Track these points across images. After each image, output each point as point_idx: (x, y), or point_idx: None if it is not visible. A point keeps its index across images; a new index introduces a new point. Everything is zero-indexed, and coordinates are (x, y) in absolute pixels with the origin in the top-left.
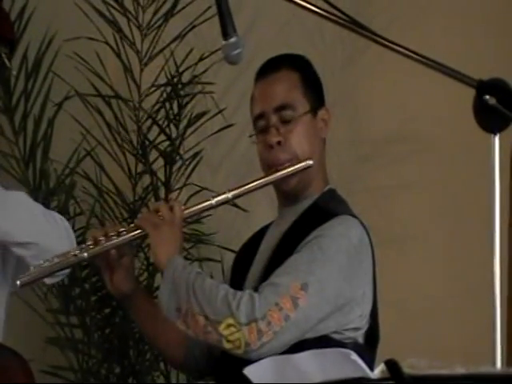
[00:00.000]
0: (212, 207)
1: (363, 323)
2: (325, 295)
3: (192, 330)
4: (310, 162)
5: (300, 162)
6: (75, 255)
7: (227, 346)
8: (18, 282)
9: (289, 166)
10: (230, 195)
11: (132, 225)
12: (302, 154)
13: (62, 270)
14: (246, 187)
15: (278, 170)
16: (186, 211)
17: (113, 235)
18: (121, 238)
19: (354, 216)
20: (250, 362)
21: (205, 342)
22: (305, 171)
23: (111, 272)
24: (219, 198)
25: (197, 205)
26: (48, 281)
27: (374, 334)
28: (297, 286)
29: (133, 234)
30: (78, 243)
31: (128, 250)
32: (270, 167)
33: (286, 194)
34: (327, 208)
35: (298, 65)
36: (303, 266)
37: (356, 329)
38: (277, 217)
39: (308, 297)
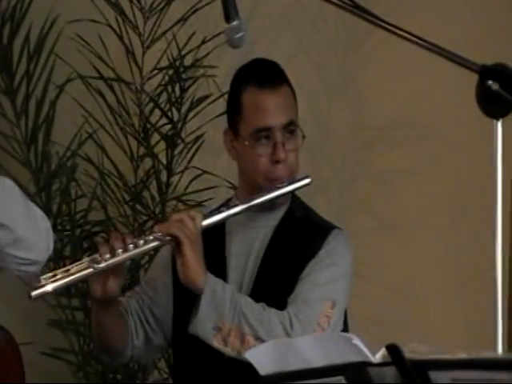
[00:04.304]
0: (229, 217)
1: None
2: (342, 310)
3: (232, 349)
4: (309, 180)
5: (300, 180)
6: (93, 267)
7: None
8: (32, 294)
9: (290, 184)
10: (244, 207)
11: (151, 236)
12: (297, 171)
13: (76, 283)
14: (259, 200)
15: (279, 187)
16: (204, 222)
17: (130, 243)
18: (145, 247)
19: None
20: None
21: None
22: None
23: (108, 276)
24: (234, 210)
25: (214, 216)
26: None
27: None
28: (328, 304)
29: (161, 240)
30: (79, 226)
31: None
32: (271, 181)
33: (272, 202)
34: (310, 217)
35: (289, 80)
36: (328, 283)
37: None
38: (241, 219)
39: (335, 314)
